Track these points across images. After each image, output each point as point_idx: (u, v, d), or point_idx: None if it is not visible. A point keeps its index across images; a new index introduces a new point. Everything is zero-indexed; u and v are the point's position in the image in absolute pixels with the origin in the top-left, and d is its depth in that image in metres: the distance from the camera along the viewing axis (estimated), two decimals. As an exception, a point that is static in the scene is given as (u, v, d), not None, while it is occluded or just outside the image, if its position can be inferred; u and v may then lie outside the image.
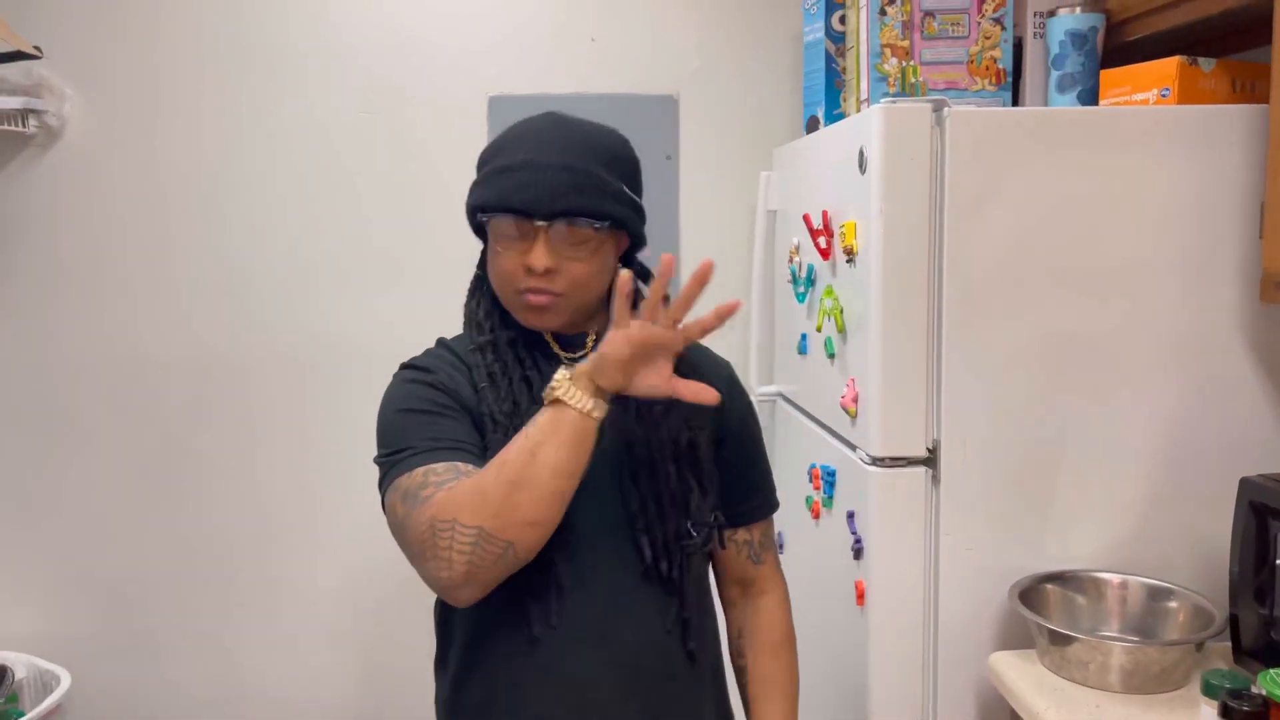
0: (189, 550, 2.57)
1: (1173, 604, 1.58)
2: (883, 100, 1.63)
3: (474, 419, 1.17)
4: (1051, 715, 1.39)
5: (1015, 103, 1.93)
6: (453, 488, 1.06)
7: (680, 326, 1.09)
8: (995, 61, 1.89)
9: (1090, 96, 1.82)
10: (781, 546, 2.33)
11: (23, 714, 2.26)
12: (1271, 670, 1.21)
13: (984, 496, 1.63)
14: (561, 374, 1.08)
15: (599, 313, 1.26)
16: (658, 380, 1.08)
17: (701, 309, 2.74)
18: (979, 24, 1.88)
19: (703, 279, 1.08)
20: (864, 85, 1.92)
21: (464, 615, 1.21)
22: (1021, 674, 1.51)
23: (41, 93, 2.39)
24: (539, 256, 1.14)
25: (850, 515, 1.75)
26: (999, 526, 1.64)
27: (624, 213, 1.18)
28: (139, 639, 2.58)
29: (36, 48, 2.32)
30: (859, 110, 1.92)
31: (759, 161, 2.50)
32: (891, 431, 1.63)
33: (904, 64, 1.88)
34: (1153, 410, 1.63)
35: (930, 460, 1.63)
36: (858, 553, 1.71)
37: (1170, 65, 1.66)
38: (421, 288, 2.50)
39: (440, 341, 1.29)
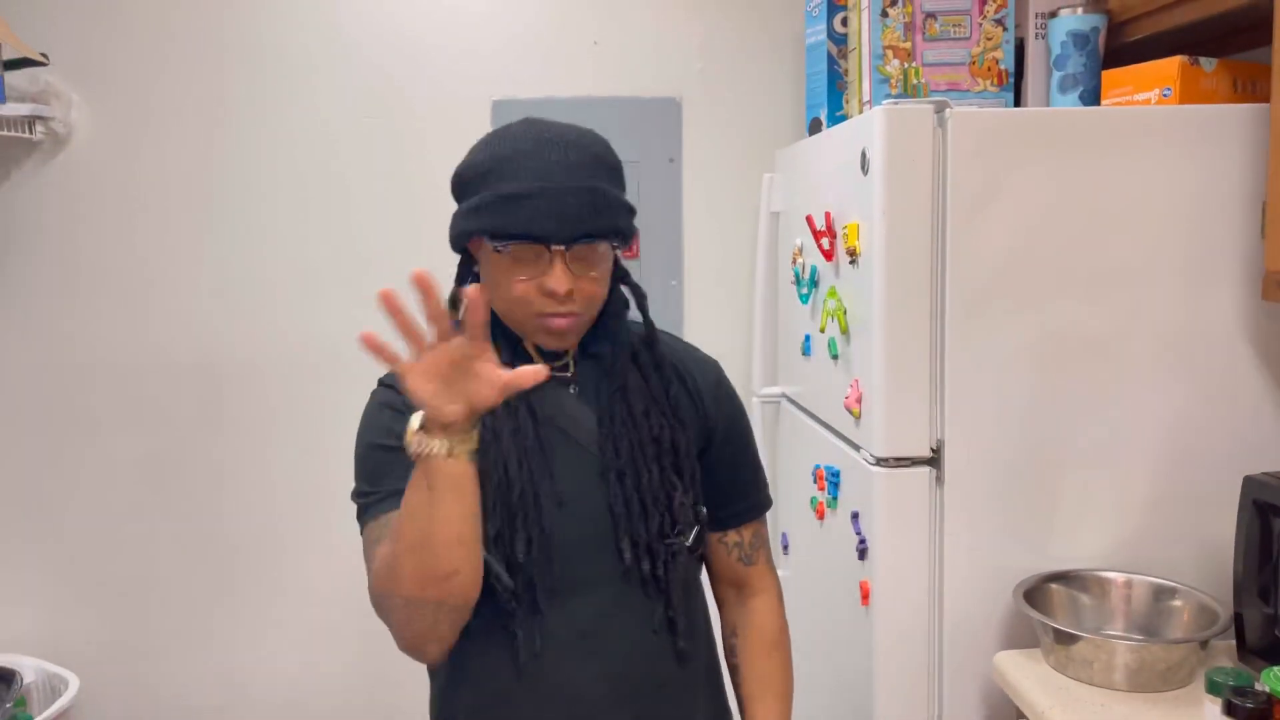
0: (197, 554, 2.58)
1: (1177, 602, 1.58)
2: (884, 101, 1.64)
3: None
4: (1057, 714, 1.39)
5: (1017, 103, 1.94)
6: (379, 556, 1.08)
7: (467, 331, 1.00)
8: (997, 62, 1.90)
9: (1092, 97, 1.83)
10: (786, 547, 2.34)
11: (31, 718, 2.27)
12: (1275, 668, 1.22)
13: (988, 496, 1.64)
14: (413, 425, 1.02)
15: None
16: (488, 388, 0.99)
17: (706, 312, 2.75)
18: (980, 25, 1.89)
19: (420, 284, 0.96)
20: (866, 87, 1.93)
21: None
22: (1026, 673, 1.51)
23: (48, 99, 2.41)
24: (560, 280, 1.11)
25: (855, 516, 1.75)
26: (1003, 526, 1.64)
27: (630, 224, 1.17)
28: (147, 643, 2.59)
29: (43, 54, 2.33)
30: (861, 112, 1.93)
31: (762, 163, 2.50)
32: (895, 432, 1.63)
33: (906, 65, 1.89)
34: (1156, 409, 1.64)
35: (934, 460, 1.64)
36: (862, 553, 1.71)
37: (1172, 65, 1.67)
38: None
39: None
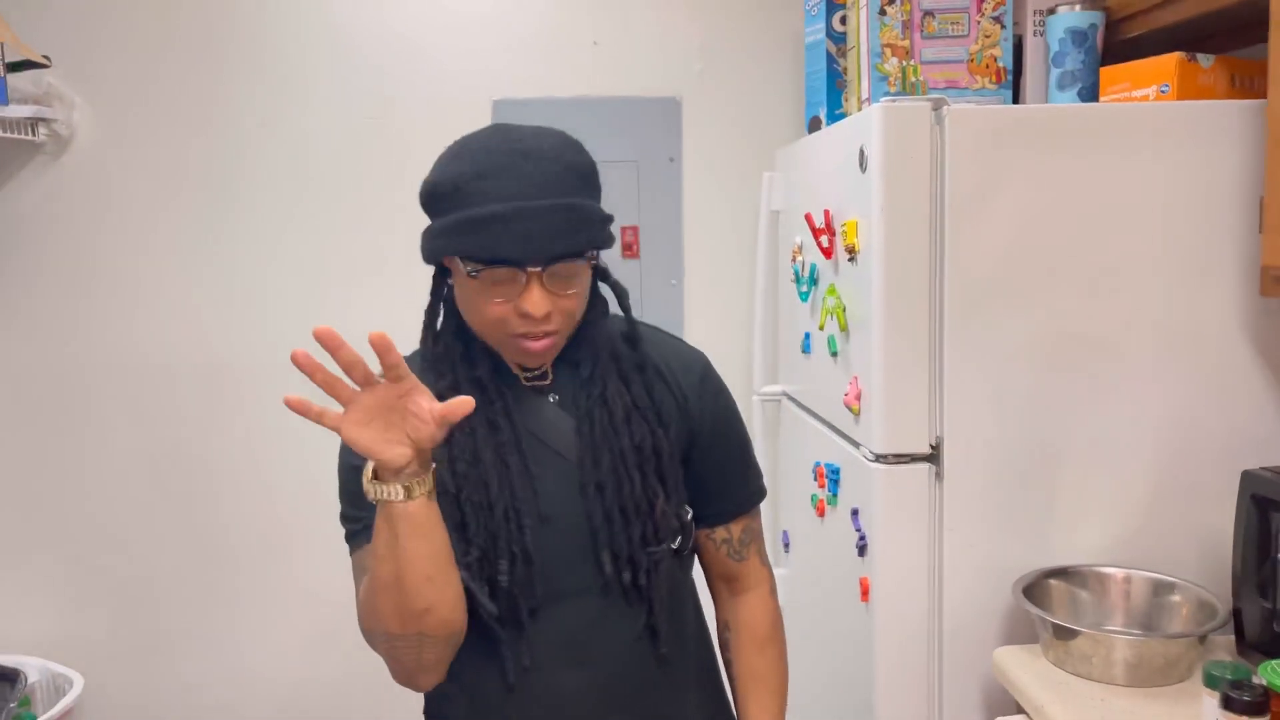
0: (200, 554, 2.59)
1: (1176, 597, 1.58)
2: (882, 99, 1.64)
3: None
4: (1056, 709, 1.40)
5: (1016, 101, 1.94)
6: (361, 593, 1.09)
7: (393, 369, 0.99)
8: (995, 60, 1.90)
9: (1090, 94, 1.83)
10: (787, 545, 2.34)
11: (35, 717, 2.28)
12: (1273, 661, 1.22)
13: (987, 492, 1.64)
14: (367, 474, 1.01)
15: None
16: (424, 427, 0.97)
17: (706, 311, 2.75)
18: (979, 23, 1.89)
19: (325, 340, 1.00)
20: (865, 85, 1.93)
21: None
22: (1026, 668, 1.52)
23: (51, 101, 2.42)
24: (537, 303, 1.07)
25: (854, 512, 1.76)
26: (1002, 522, 1.65)
27: (608, 235, 1.13)
28: (151, 642, 2.60)
29: (45, 57, 2.34)
30: (860, 110, 1.93)
31: (762, 162, 2.51)
32: (894, 428, 1.64)
33: (904, 63, 1.90)
34: (1155, 405, 1.64)
35: (933, 457, 1.64)
36: (862, 549, 1.72)
37: (1169, 62, 1.67)
38: (428, 292, 2.51)
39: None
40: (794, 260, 2.16)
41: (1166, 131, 1.61)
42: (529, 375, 1.19)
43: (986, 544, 1.65)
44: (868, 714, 1.71)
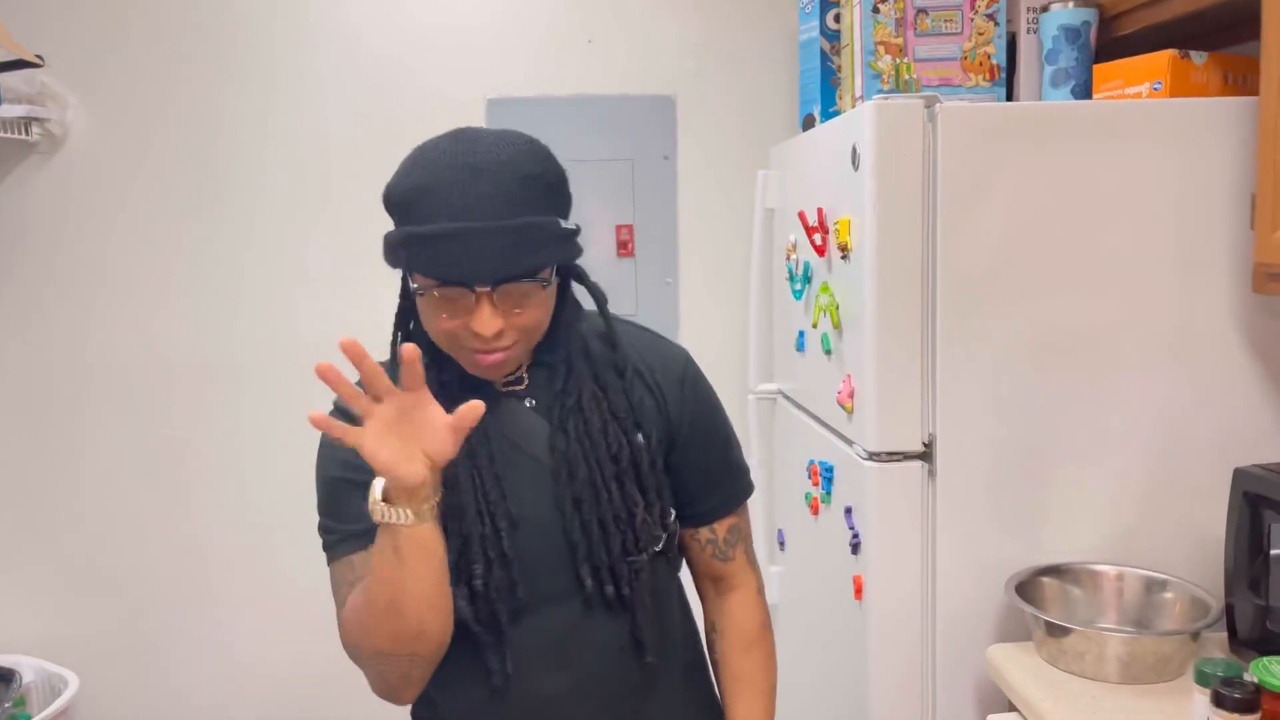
0: (195, 553, 2.59)
1: (1169, 595, 1.58)
2: (875, 97, 1.64)
3: None
4: (1048, 706, 1.40)
5: (1009, 98, 1.94)
6: (348, 608, 1.09)
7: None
8: (989, 57, 1.90)
9: (1084, 91, 1.83)
10: (782, 544, 2.34)
11: (30, 717, 2.27)
12: (1264, 658, 1.22)
13: (980, 490, 1.64)
14: (375, 495, 1.00)
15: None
16: (441, 438, 0.98)
17: (702, 310, 2.75)
18: (972, 20, 1.89)
19: (350, 353, 0.98)
20: (858, 83, 1.93)
21: None
22: (1019, 666, 1.52)
23: (44, 100, 2.41)
24: (485, 323, 1.05)
25: (848, 511, 1.76)
26: (995, 520, 1.65)
27: (565, 252, 1.08)
28: (146, 641, 2.60)
29: (39, 56, 2.34)
30: (854, 108, 1.93)
31: (756, 160, 2.51)
32: (887, 426, 1.64)
33: (898, 61, 1.89)
34: (1147, 402, 1.64)
35: (926, 454, 1.64)
36: (855, 548, 1.72)
37: (1162, 59, 1.67)
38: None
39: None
40: (788, 258, 2.16)
41: (1159, 129, 1.61)
42: (504, 379, 1.17)
43: (979, 541, 1.65)
44: (861, 711, 1.71)
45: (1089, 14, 1.83)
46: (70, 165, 2.48)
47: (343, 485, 1.13)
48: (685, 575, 1.33)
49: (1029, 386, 1.63)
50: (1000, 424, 1.63)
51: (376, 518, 1.00)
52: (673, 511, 1.24)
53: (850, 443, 1.75)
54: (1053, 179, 1.60)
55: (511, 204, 1.03)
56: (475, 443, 1.12)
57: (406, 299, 1.17)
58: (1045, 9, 1.86)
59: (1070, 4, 1.83)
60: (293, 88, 2.50)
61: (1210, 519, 1.62)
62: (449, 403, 1.10)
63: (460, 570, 1.11)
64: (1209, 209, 1.62)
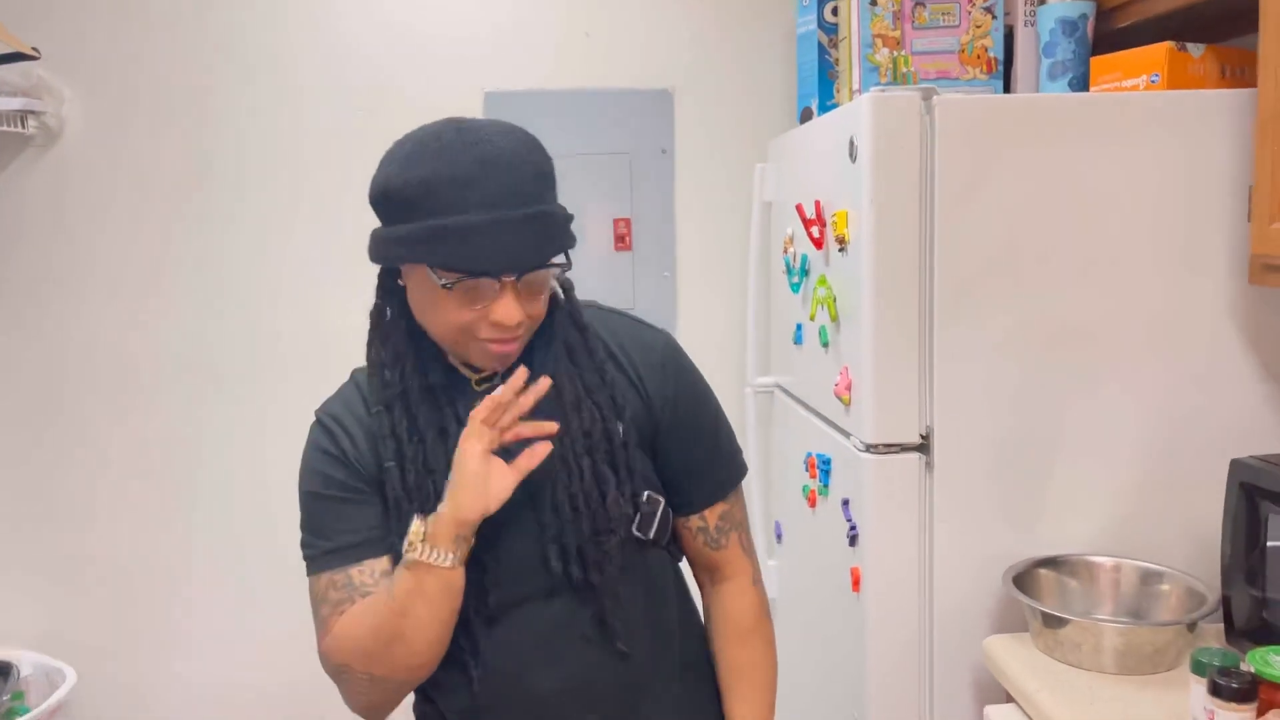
0: (193, 548, 2.59)
1: (1165, 586, 1.59)
2: (872, 89, 1.64)
3: (382, 492, 1.13)
4: (1044, 697, 1.40)
5: (1007, 91, 1.94)
6: (342, 626, 1.09)
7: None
8: (986, 50, 1.90)
9: (1081, 84, 1.83)
10: (780, 536, 2.34)
11: (28, 710, 2.28)
12: (1261, 649, 1.22)
13: (977, 482, 1.64)
14: (417, 528, 1.03)
15: None
16: (506, 480, 1.05)
17: (699, 303, 2.74)
18: (969, 13, 1.89)
19: (516, 386, 1.07)
20: (856, 76, 1.93)
21: None
22: (1015, 657, 1.52)
23: (40, 94, 2.41)
24: (509, 312, 1.05)
25: (845, 503, 1.76)
26: (992, 511, 1.65)
27: (573, 236, 1.10)
28: (145, 636, 2.60)
29: (34, 49, 2.33)
30: (852, 101, 1.93)
31: (754, 154, 2.51)
32: (885, 418, 1.64)
33: (895, 54, 1.89)
34: (1144, 394, 1.64)
35: (924, 446, 1.65)
36: (853, 539, 1.72)
37: (1159, 51, 1.67)
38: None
39: (354, 380, 1.20)
40: (786, 251, 2.16)
41: (1157, 121, 1.61)
42: (479, 377, 1.16)
43: (977, 533, 1.65)
44: (860, 702, 1.71)
45: (1086, 6, 1.83)
46: (66, 159, 2.47)
47: (320, 501, 1.14)
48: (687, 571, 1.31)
49: (1026, 378, 1.63)
50: (998, 416, 1.63)
51: (415, 555, 1.03)
52: (662, 499, 1.20)
53: (847, 435, 1.76)
54: (1050, 171, 1.60)
55: (528, 194, 1.04)
56: (454, 445, 1.10)
57: (387, 298, 1.15)
58: (1043, 2, 1.86)
59: (1068, -4, 1.83)
60: (289, 81, 2.50)
61: (1207, 511, 1.62)
62: (431, 403, 1.13)
63: None
64: (1206, 201, 1.62)
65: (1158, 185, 1.62)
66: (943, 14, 1.89)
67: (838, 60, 2.12)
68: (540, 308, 1.11)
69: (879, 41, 1.89)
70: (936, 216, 1.60)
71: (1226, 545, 1.48)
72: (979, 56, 1.90)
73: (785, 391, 2.30)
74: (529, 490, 1.11)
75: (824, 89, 2.16)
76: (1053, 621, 1.49)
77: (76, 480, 2.55)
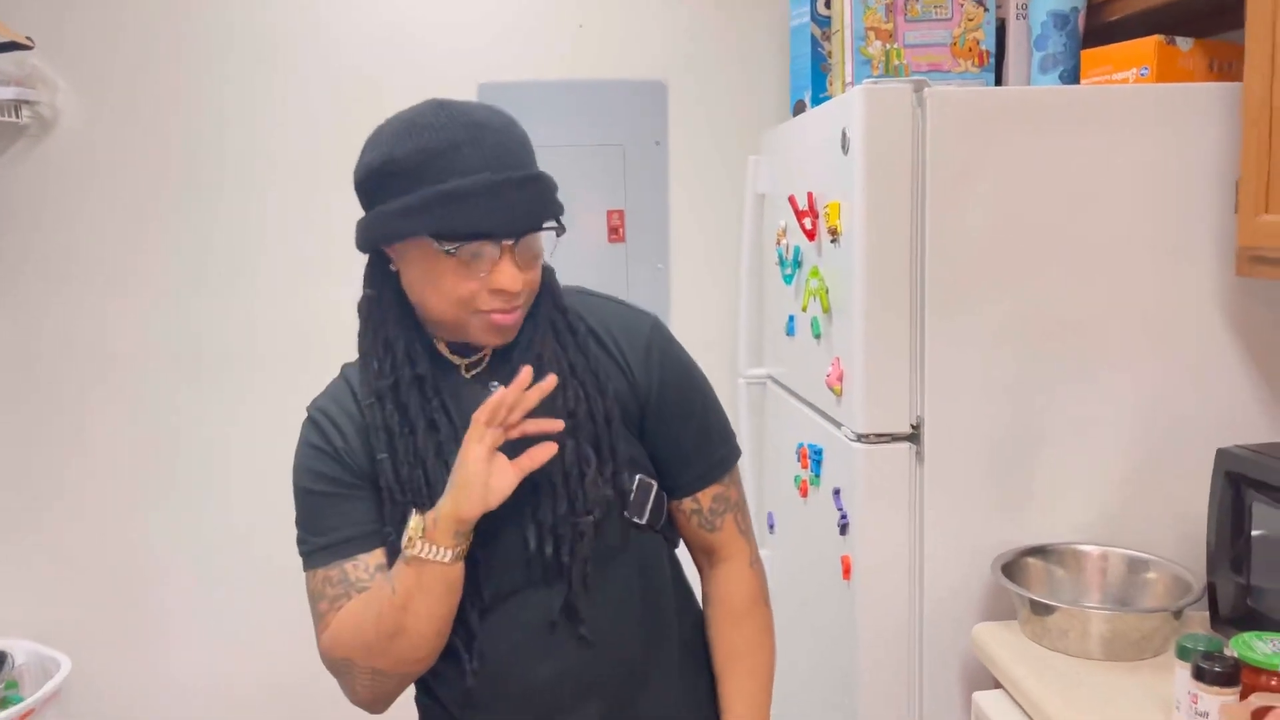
0: (187, 537, 2.59)
1: (1151, 575, 1.61)
2: (864, 81, 1.65)
3: (375, 485, 1.13)
4: (1032, 683, 1.42)
5: (998, 84, 1.95)
6: (342, 621, 1.10)
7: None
8: (978, 43, 1.91)
9: (1072, 77, 1.84)
10: (772, 526, 2.36)
11: (22, 699, 2.28)
12: (1244, 634, 1.24)
13: (967, 471, 1.66)
14: (416, 524, 1.04)
15: None
16: (508, 479, 1.05)
17: (693, 295, 2.74)
18: (961, 6, 1.90)
19: (522, 384, 1.06)
20: (849, 69, 1.94)
21: None
22: (1004, 644, 1.54)
23: (34, 83, 2.41)
24: (512, 277, 1.06)
25: (836, 492, 1.77)
26: (982, 501, 1.66)
27: (561, 205, 1.11)
28: (139, 625, 2.60)
29: (28, 38, 2.33)
30: (844, 93, 1.94)
31: (748, 146, 2.52)
32: (875, 408, 1.65)
33: (887, 47, 1.90)
34: (1133, 385, 1.66)
35: (914, 436, 1.66)
36: (843, 528, 1.73)
37: (1149, 45, 1.68)
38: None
39: (344, 375, 1.20)
40: (779, 243, 2.17)
41: (1146, 114, 1.62)
42: (468, 362, 1.16)
43: (966, 522, 1.67)
44: (850, 690, 1.73)
45: (1077, 0, 1.84)
46: (60, 148, 2.47)
47: (312, 497, 1.15)
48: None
49: (1016, 369, 1.65)
50: (988, 406, 1.65)
51: (414, 552, 1.04)
52: (655, 483, 1.20)
53: (839, 425, 1.77)
54: (1040, 164, 1.62)
55: (521, 158, 1.08)
56: (443, 437, 1.11)
57: (379, 286, 1.14)
58: (1034, -5, 1.87)
59: (1059, -10, 1.84)
60: (283, 72, 2.50)
61: (1194, 500, 1.63)
62: (420, 393, 1.12)
63: None
64: (1194, 193, 1.63)
65: (1147, 178, 1.63)
66: (935, 7, 1.90)
67: (830, 53, 2.13)
68: (537, 277, 1.12)
69: (871, 34, 1.90)
70: (928, 208, 1.61)
71: (1212, 533, 1.50)
72: (970, 49, 1.91)
73: (777, 382, 2.31)
74: (522, 481, 1.10)
75: (817, 81, 2.17)
76: (1040, 609, 1.51)
77: (71, 469, 2.56)
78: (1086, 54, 1.80)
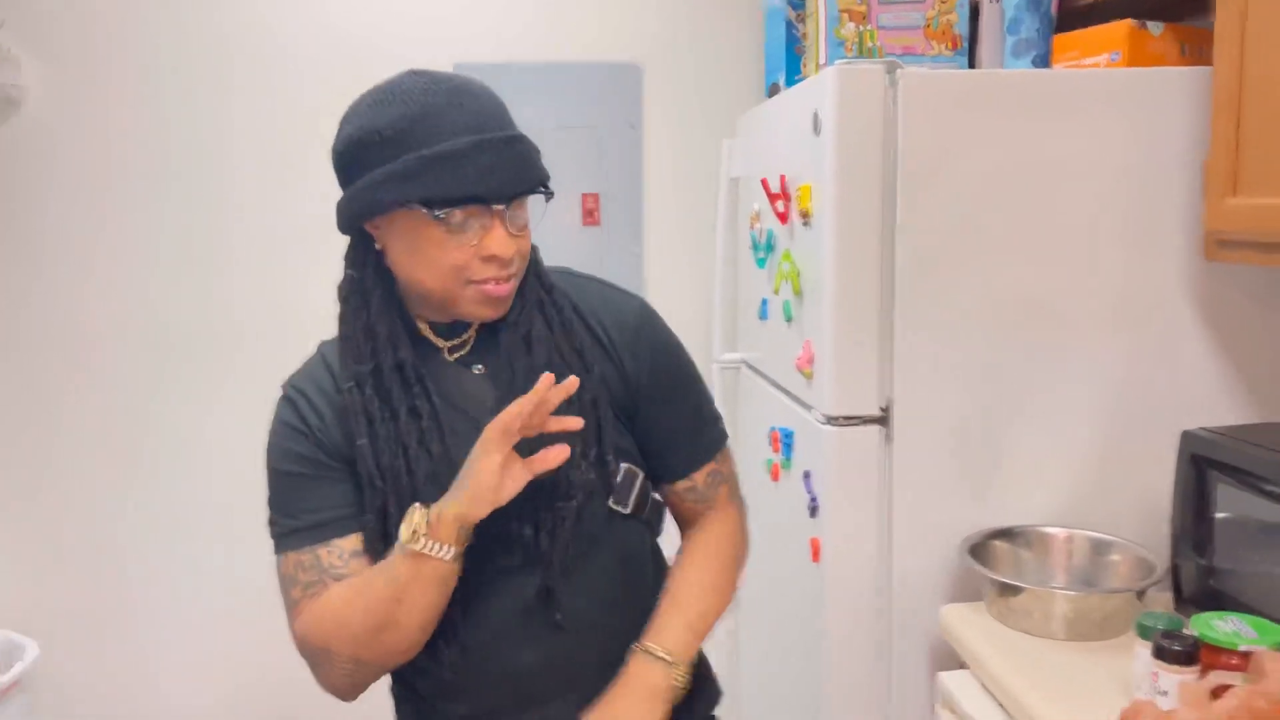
0: (158, 523, 2.57)
1: (1115, 556, 1.62)
2: (836, 62, 1.64)
3: (352, 469, 1.11)
4: (996, 663, 1.43)
5: (971, 68, 1.95)
6: (320, 606, 1.07)
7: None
8: (952, 26, 1.91)
9: (1045, 61, 1.84)
10: (744, 510, 2.36)
11: (-11, 682, 2.26)
12: (1204, 613, 1.25)
13: (936, 454, 1.66)
14: (420, 519, 1.02)
15: None
16: (519, 481, 1.03)
17: (668, 279, 2.73)
18: (935, -11, 1.89)
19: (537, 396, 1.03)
20: (823, 51, 1.93)
21: None
22: (970, 624, 1.54)
23: (0, 63, 2.37)
24: (504, 244, 1.04)
25: (806, 475, 1.78)
26: (950, 483, 1.67)
27: (547, 171, 1.10)
28: (107, 611, 2.58)
29: (-7, 14, 2.30)
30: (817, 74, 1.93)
31: (723, 129, 2.51)
32: (845, 391, 1.65)
33: (861, 29, 1.90)
34: (1100, 368, 1.67)
35: (883, 419, 1.66)
36: (813, 511, 1.74)
37: (1120, 29, 1.69)
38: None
39: (321, 353, 1.18)
40: (752, 227, 2.17)
41: (1117, 98, 1.63)
42: (451, 346, 1.15)
43: (935, 505, 1.67)
44: (818, 670, 1.73)
45: (1050, -16, 1.84)
46: (27, 128, 2.44)
47: (286, 478, 1.13)
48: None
49: (985, 352, 1.65)
50: (956, 389, 1.65)
51: (416, 547, 1.02)
52: (641, 472, 1.19)
53: (809, 408, 1.77)
54: (1012, 147, 1.62)
55: (503, 119, 1.07)
56: (426, 424, 1.10)
57: (361, 267, 1.12)
58: (1008, -22, 1.87)
59: (1032, -27, 1.84)
60: (256, 52, 2.47)
61: (1159, 482, 1.64)
62: (401, 379, 1.10)
63: None
64: (1164, 177, 1.64)
65: (1117, 162, 1.63)
66: (909, -11, 1.90)
67: (805, 35, 2.12)
68: (528, 243, 1.11)
69: (845, 16, 1.90)
70: (899, 191, 1.61)
71: (1176, 515, 1.51)
72: (944, 32, 1.91)
73: (751, 367, 2.31)
74: None
75: (791, 64, 2.17)
76: (1006, 590, 1.51)
77: (41, 456, 2.53)
78: (1059, 38, 1.80)
